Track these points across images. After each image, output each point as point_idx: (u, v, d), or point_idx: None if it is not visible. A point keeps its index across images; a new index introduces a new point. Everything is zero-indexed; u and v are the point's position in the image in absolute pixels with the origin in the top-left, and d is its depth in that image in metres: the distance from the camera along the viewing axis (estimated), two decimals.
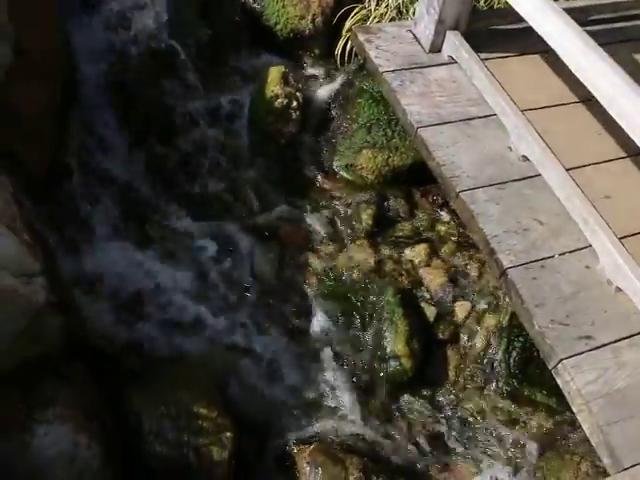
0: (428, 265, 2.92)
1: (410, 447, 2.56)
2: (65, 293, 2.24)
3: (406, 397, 2.67)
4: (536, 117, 2.64)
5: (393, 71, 2.85)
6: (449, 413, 2.66)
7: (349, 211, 3.11)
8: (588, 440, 2.02)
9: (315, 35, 3.48)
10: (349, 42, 3.32)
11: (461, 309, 2.80)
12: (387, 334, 2.66)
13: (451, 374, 2.72)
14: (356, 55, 3.32)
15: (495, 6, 3.32)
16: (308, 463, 2.35)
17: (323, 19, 3.44)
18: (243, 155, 3.25)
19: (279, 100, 3.20)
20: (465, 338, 2.76)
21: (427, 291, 2.85)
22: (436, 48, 2.92)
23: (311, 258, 2.96)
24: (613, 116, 2.16)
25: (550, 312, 2.18)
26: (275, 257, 2.95)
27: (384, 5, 3.31)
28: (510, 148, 2.63)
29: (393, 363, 2.63)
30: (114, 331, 2.60)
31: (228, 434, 2.29)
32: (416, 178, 3.14)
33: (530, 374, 2.63)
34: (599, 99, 2.21)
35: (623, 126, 2.13)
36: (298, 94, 3.25)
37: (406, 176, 3.18)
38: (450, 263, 2.94)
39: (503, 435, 2.61)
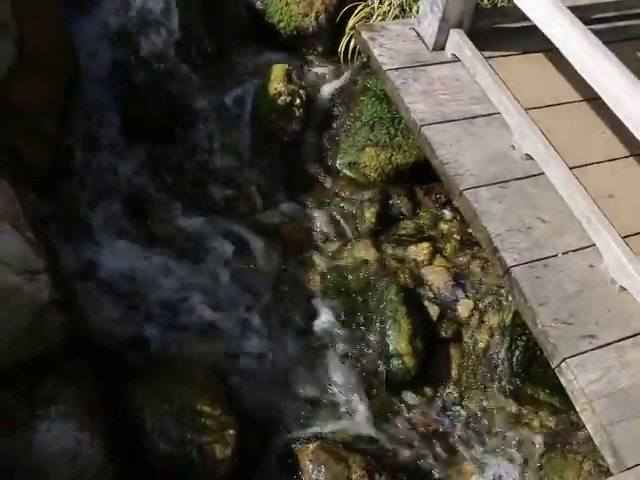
0: (431, 263, 2.92)
1: (413, 445, 2.56)
2: (68, 290, 2.24)
3: (409, 395, 2.67)
4: (539, 115, 2.64)
5: (396, 69, 2.85)
6: (452, 412, 2.66)
7: (352, 209, 3.11)
8: (591, 439, 2.03)
9: (318, 33, 3.47)
10: (352, 40, 3.31)
11: (464, 308, 2.79)
12: (390, 332, 2.66)
13: (454, 373, 2.72)
14: (359, 53, 3.31)
15: (499, 4, 3.32)
16: (311, 461, 2.34)
17: (326, 17, 3.44)
18: (246, 153, 3.24)
19: (282, 98, 3.20)
20: (468, 337, 2.76)
21: (430, 289, 2.84)
22: (439, 46, 2.92)
23: (314, 256, 2.96)
24: (619, 116, 2.16)
25: (553, 311, 2.18)
26: (278, 255, 2.94)
27: (387, 3, 3.30)
28: (513, 146, 2.62)
29: (396, 361, 2.63)
30: (117, 328, 2.60)
31: (231, 431, 2.28)
32: (419, 176, 3.14)
33: (533, 373, 2.63)
34: (605, 100, 2.20)
35: (629, 127, 2.13)
36: (301, 92, 3.25)
37: (409, 174, 3.17)
38: (453, 262, 2.93)
39: (506, 434, 2.60)
